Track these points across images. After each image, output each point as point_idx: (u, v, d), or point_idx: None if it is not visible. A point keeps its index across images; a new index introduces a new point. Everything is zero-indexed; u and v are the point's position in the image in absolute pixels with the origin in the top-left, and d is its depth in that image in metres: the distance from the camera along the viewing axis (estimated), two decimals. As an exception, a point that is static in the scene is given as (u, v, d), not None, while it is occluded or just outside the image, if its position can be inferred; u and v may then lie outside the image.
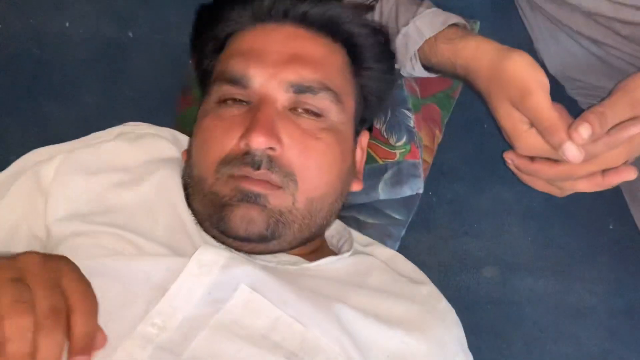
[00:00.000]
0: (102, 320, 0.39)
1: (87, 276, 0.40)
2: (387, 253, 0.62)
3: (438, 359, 0.51)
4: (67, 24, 0.88)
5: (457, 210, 0.85)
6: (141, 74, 0.88)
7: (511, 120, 0.50)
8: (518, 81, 0.48)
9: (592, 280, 0.83)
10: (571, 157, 0.46)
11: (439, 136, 0.78)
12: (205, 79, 0.60)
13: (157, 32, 0.89)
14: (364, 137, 0.62)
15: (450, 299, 0.58)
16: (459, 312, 0.57)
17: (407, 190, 0.68)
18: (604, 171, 0.50)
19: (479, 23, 0.73)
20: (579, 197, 0.54)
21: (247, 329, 0.44)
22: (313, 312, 0.46)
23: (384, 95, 0.64)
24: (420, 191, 0.67)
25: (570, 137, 0.46)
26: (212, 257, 0.47)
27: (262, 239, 0.50)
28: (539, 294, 0.83)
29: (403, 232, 0.72)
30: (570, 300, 0.83)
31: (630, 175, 0.49)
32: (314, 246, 0.58)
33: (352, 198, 0.65)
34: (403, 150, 0.69)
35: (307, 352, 0.44)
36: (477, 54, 0.53)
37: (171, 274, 0.45)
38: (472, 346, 0.57)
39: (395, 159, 0.69)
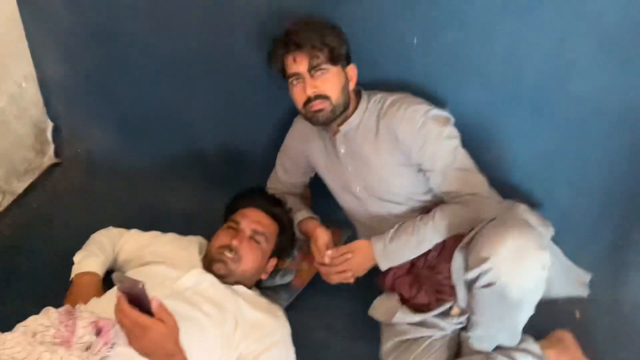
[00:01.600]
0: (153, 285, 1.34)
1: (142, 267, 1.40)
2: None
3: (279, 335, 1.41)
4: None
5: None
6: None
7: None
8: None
9: None
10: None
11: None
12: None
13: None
14: (272, 260, 1.55)
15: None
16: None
17: (286, 279, 1.65)
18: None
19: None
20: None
21: (203, 295, 1.35)
22: (229, 292, 1.39)
23: (289, 244, 1.63)
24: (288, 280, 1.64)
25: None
26: (200, 273, 1.41)
27: (221, 276, 1.43)
28: None
29: (288, 299, 1.65)
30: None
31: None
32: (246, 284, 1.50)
33: (265, 281, 1.60)
34: (288, 263, 1.67)
35: (219, 305, 1.33)
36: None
37: (181, 274, 1.38)
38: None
39: (284, 266, 1.66)
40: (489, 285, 1.21)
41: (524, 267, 1.18)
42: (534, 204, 1.60)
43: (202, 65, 1.86)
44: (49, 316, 1.18)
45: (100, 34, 1.92)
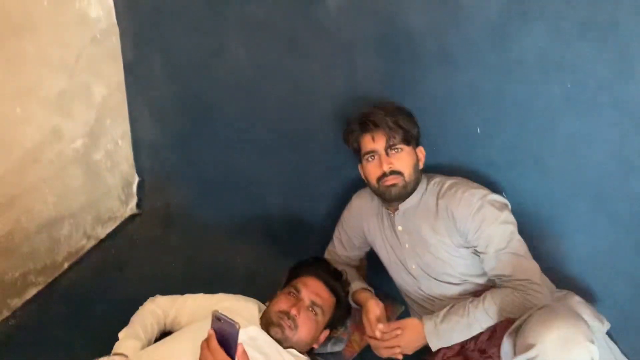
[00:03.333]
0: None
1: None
2: None
3: None
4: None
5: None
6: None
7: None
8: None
9: None
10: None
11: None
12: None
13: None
14: (325, 332, 1.56)
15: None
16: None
17: (337, 348, 1.69)
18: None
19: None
20: None
21: (259, 350, 1.41)
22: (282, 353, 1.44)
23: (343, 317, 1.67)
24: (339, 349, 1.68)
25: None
26: (259, 329, 1.48)
27: (277, 340, 1.48)
28: None
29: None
30: None
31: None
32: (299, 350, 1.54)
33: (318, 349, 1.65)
34: (340, 332, 1.72)
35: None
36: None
37: (245, 324, 1.42)
38: None
39: (337, 335, 1.71)
40: None
41: (570, 357, 1.17)
42: (589, 298, 1.59)
43: (278, 139, 2.03)
44: None
45: (192, 103, 2.15)
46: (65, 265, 2.08)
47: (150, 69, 2.15)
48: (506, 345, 1.33)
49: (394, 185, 1.53)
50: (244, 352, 1.18)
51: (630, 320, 1.64)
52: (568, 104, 1.49)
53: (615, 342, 1.52)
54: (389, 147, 1.52)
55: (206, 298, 1.66)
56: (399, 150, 1.53)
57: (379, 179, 1.54)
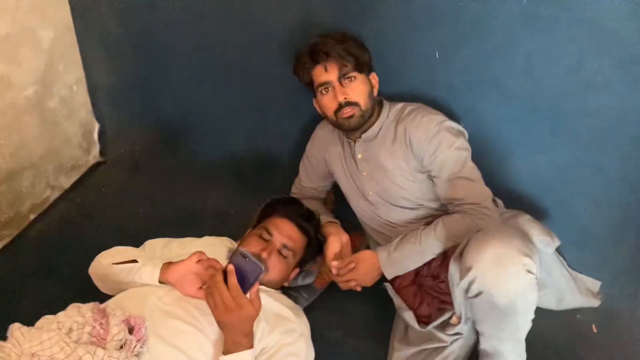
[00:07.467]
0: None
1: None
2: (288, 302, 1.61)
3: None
4: None
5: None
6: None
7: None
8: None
9: None
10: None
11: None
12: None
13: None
14: (296, 270, 1.57)
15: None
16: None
17: (308, 280, 1.71)
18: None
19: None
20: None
21: None
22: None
23: (313, 255, 1.67)
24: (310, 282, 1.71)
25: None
26: None
27: None
28: None
29: (309, 299, 1.71)
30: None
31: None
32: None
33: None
34: (310, 265, 1.74)
35: None
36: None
37: None
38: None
39: (306, 268, 1.73)
40: (478, 294, 1.25)
41: (506, 274, 1.19)
42: (545, 217, 1.62)
43: (237, 75, 1.98)
44: (82, 313, 1.20)
45: (144, 43, 2.07)
46: (31, 217, 2.06)
47: (99, 10, 2.05)
48: (452, 269, 1.36)
49: (351, 117, 1.50)
50: (257, 293, 1.22)
51: (591, 237, 1.69)
52: (525, 22, 1.46)
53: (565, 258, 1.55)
54: (342, 76, 1.48)
55: (180, 240, 1.63)
56: (353, 79, 1.49)
57: (336, 112, 1.51)
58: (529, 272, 1.19)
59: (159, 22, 1.99)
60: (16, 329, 1.14)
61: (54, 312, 1.22)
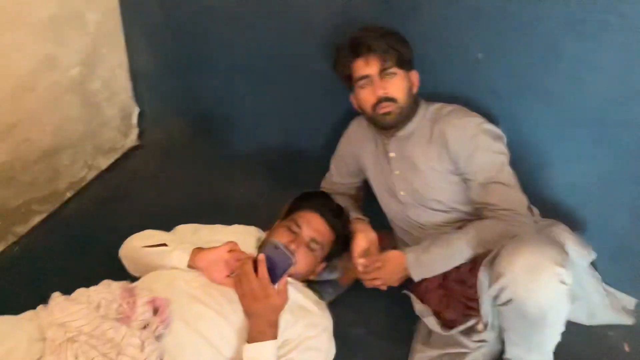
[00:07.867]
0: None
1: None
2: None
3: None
4: None
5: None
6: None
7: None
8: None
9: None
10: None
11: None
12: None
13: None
14: (322, 264, 1.59)
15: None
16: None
17: (333, 276, 1.71)
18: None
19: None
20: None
21: None
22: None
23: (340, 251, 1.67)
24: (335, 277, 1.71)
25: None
26: None
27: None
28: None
29: (333, 294, 1.71)
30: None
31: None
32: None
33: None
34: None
35: None
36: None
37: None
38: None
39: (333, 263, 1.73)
40: (508, 302, 1.22)
41: (539, 283, 1.16)
42: (583, 228, 1.58)
43: (275, 68, 1.98)
44: (111, 290, 1.25)
45: (186, 32, 2.10)
46: (68, 195, 2.11)
47: (145, -5, 2.09)
48: (482, 275, 1.32)
49: (388, 113, 1.48)
50: (286, 285, 1.25)
51: (629, 251, 1.63)
52: (573, 27, 1.41)
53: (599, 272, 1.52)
54: (382, 70, 1.46)
55: (211, 226, 1.65)
56: (393, 75, 1.47)
57: (374, 106, 1.49)
58: (563, 282, 1.16)
59: (201, 11, 2.01)
60: (55, 298, 1.21)
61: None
